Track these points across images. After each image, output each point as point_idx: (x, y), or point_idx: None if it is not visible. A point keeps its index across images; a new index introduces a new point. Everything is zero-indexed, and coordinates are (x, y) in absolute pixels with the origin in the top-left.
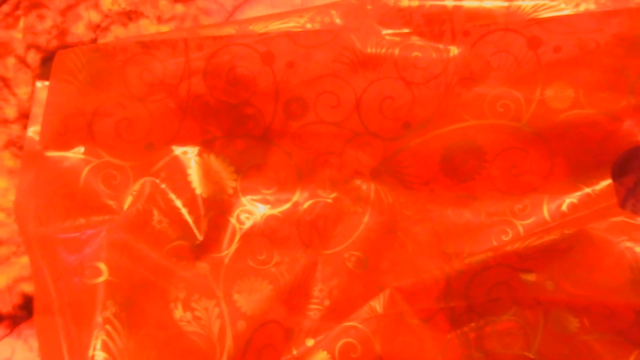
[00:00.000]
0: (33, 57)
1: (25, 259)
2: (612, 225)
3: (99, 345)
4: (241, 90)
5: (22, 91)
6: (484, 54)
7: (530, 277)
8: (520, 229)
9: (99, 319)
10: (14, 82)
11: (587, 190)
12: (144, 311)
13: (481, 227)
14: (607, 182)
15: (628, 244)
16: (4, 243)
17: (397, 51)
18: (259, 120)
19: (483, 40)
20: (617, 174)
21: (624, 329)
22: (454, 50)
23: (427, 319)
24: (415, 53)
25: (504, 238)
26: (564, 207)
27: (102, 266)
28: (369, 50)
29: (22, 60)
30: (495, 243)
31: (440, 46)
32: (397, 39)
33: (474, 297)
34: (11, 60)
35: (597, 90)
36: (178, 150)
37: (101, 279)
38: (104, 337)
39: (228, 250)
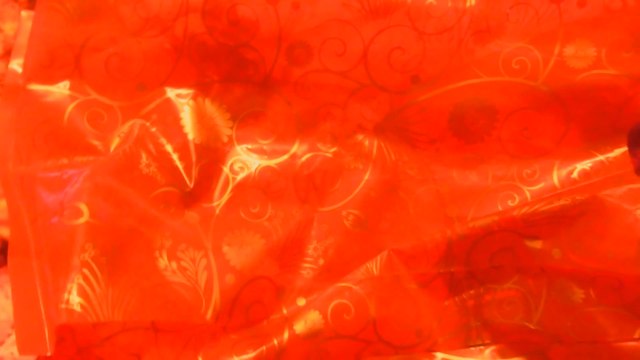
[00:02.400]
0: None
1: (4, 203)
2: (629, 192)
3: (75, 290)
4: (242, 31)
5: (9, 26)
6: (502, 6)
7: (536, 244)
8: (528, 194)
9: (76, 261)
10: (1, 16)
11: (601, 157)
12: (126, 257)
13: (487, 191)
14: (622, 150)
15: None
16: None
17: None
18: (259, 66)
19: None
20: (633, 143)
21: (631, 302)
22: (470, 0)
23: (425, 283)
24: (430, 1)
25: (510, 203)
26: (574, 174)
27: (83, 207)
28: None
29: None
30: (500, 208)
31: None
32: None
33: (475, 263)
34: None
35: (621, 50)
36: (171, 92)
37: (81, 220)
38: (81, 281)
39: (219, 200)
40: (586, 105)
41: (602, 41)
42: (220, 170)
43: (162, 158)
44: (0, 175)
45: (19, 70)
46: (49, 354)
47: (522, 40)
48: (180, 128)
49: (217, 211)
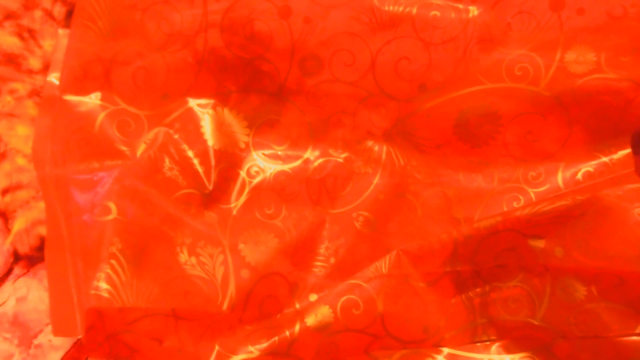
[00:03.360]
0: (59, 10)
1: (43, 203)
2: (627, 192)
3: (103, 278)
4: (257, 45)
5: (47, 43)
6: (504, 15)
7: (539, 244)
8: (533, 196)
9: (105, 254)
10: (40, 34)
11: (605, 159)
12: (149, 251)
13: (493, 194)
14: (625, 152)
15: None
16: (24, 187)
17: (415, 10)
18: (274, 77)
19: (504, 1)
20: (638, 144)
21: (633, 298)
22: (473, 11)
23: (432, 282)
24: (434, 12)
25: (515, 205)
26: (579, 176)
27: (112, 205)
28: (386, 8)
29: (48, 13)
30: (506, 209)
31: (460, 6)
32: None
33: (480, 262)
34: (38, 13)
35: (620, 55)
36: (193, 102)
37: (110, 217)
38: (109, 270)
39: (237, 202)
40: (588, 109)
41: (601, 46)
42: (238, 174)
43: (184, 162)
44: (39, 177)
45: (56, 82)
46: (80, 336)
47: (524, 48)
48: (200, 135)
49: (234, 212)
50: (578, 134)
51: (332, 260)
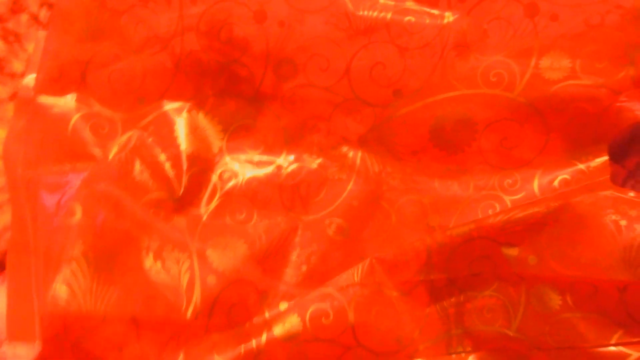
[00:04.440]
0: (45, 14)
1: None
2: (599, 198)
3: (62, 281)
4: (234, 49)
5: (32, 47)
6: (480, 21)
7: (512, 252)
8: (509, 203)
9: (66, 256)
10: (25, 37)
11: (581, 166)
12: (113, 255)
13: (468, 201)
14: (602, 159)
15: (614, 217)
16: (1, 190)
17: (389, 15)
18: (250, 81)
19: (479, 7)
20: (617, 154)
21: (607, 308)
22: (449, 17)
23: (406, 291)
24: (409, 18)
25: (491, 213)
26: (555, 183)
27: (77, 207)
28: (361, 13)
29: (34, 17)
30: (481, 217)
31: (435, 12)
32: (391, 2)
33: (454, 270)
34: (24, 17)
35: (595, 61)
36: (168, 105)
37: (74, 219)
38: (69, 274)
39: (207, 207)
40: (564, 116)
41: (577, 53)
42: (210, 178)
43: (155, 166)
44: (8, 179)
45: (31, 85)
46: (37, 342)
47: (500, 54)
48: (174, 139)
49: (205, 217)
50: (555, 141)
51: (304, 267)
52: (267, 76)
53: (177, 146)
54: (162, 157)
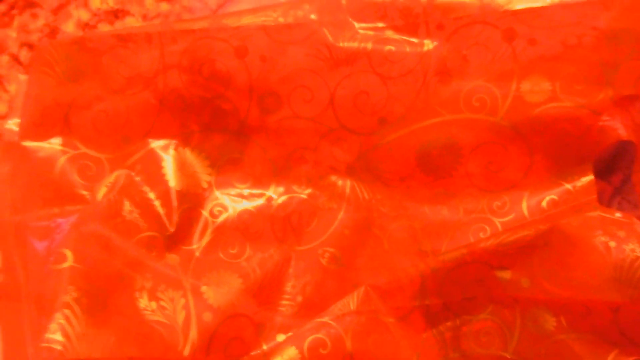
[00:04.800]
0: (25, 55)
1: None
2: (587, 220)
3: (56, 329)
4: (216, 84)
5: (14, 88)
6: (459, 48)
7: (505, 275)
8: (499, 226)
9: (59, 303)
10: (7, 79)
11: (568, 186)
12: (107, 298)
13: (459, 225)
14: (588, 178)
15: (602, 238)
16: None
17: (370, 45)
18: (234, 115)
19: (458, 34)
20: (603, 171)
21: (601, 328)
22: (428, 45)
23: (402, 317)
24: (389, 47)
25: (482, 235)
26: (543, 204)
27: (68, 253)
28: (341, 45)
29: (15, 58)
30: (472, 240)
31: (415, 40)
32: (371, 33)
33: (449, 295)
34: (5, 58)
35: (574, 83)
36: (154, 143)
37: (65, 265)
38: (62, 320)
39: (199, 243)
40: (547, 137)
41: (556, 75)
42: (200, 214)
43: (145, 205)
44: None
45: (15, 129)
46: None
47: (481, 79)
48: (162, 176)
49: (197, 253)
50: (540, 162)
51: (299, 298)
52: (251, 109)
53: (166, 183)
54: (152, 195)
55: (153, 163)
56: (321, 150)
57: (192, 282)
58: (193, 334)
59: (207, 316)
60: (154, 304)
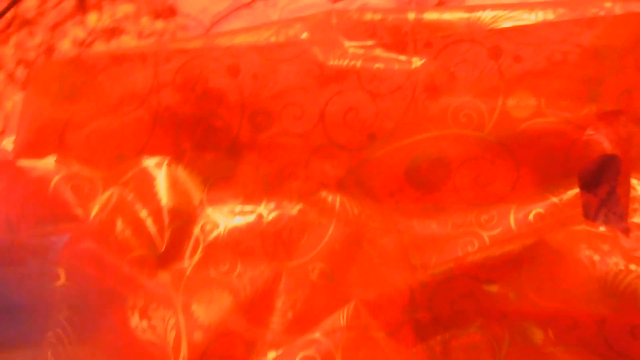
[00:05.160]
0: (21, 72)
1: None
2: (571, 233)
3: (47, 347)
4: (209, 102)
5: (9, 105)
6: (447, 65)
7: (493, 288)
8: (487, 239)
9: (52, 322)
10: (3, 95)
11: (555, 199)
12: (99, 317)
13: (448, 239)
14: (574, 192)
15: (587, 252)
16: None
17: (359, 63)
18: (227, 133)
19: (446, 51)
20: (588, 184)
21: (587, 340)
22: (416, 62)
23: (392, 332)
24: (378, 65)
25: (470, 249)
26: (530, 217)
27: (61, 272)
28: (331, 63)
29: (11, 76)
30: (460, 254)
31: (403, 57)
32: (361, 51)
33: (438, 308)
34: (1, 75)
35: (559, 99)
36: (148, 160)
37: (58, 284)
38: (54, 339)
39: (191, 260)
40: (533, 152)
41: (541, 92)
42: (191, 231)
43: (136, 223)
44: None
45: (10, 147)
46: None
47: (468, 95)
48: (154, 194)
49: (189, 271)
50: (526, 176)
51: (290, 314)
52: (243, 127)
53: (158, 201)
54: (144, 213)
55: (146, 181)
56: (311, 166)
57: (183, 300)
58: (184, 353)
59: (198, 335)
60: (145, 323)
